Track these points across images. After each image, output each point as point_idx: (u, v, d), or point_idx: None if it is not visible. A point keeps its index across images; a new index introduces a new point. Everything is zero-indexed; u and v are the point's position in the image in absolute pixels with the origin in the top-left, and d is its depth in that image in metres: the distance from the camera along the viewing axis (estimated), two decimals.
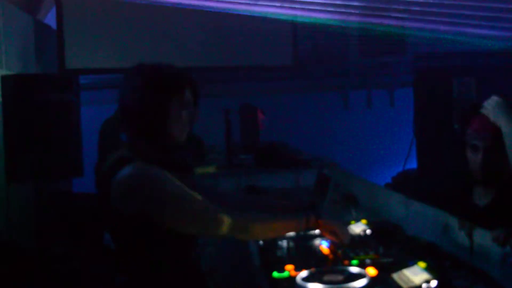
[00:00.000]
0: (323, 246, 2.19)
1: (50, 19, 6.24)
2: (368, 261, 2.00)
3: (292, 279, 1.87)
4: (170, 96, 2.00)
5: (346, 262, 2.00)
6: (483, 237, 2.00)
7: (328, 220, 2.11)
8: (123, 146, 2.06)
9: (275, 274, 1.92)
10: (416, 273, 1.77)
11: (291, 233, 2.35)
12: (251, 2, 5.47)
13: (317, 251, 2.18)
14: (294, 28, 6.13)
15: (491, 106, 2.42)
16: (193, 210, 1.93)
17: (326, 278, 1.83)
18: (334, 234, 2.11)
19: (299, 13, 5.76)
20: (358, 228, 2.39)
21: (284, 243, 2.27)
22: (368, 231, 2.32)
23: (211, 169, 4.28)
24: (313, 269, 1.90)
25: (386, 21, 5.51)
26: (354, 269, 1.87)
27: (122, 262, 2.05)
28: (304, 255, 2.14)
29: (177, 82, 2.03)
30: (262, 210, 2.30)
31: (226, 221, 1.93)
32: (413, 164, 5.41)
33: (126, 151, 2.02)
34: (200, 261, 2.16)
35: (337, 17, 5.44)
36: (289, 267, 1.95)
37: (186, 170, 2.10)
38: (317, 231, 2.36)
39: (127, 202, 1.90)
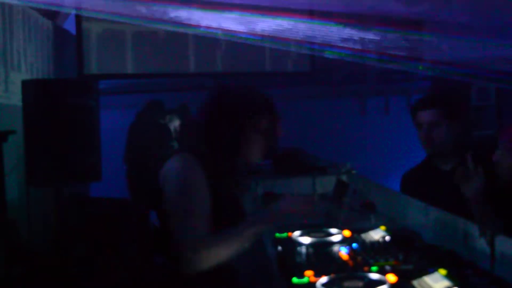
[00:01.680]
0: (343, 252, 2.19)
1: (69, 25, 6.31)
2: (388, 267, 1.99)
3: (311, 285, 1.86)
4: (244, 123, 2.09)
5: (366, 268, 1.99)
6: (504, 245, 1.98)
7: (274, 211, 2.14)
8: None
9: (295, 279, 1.91)
10: (437, 281, 1.76)
11: (310, 240, 2.36)
12: None
13: (336, 257, 2.17)
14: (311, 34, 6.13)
15: None
16: (183, 227, 2.00)
17: (346, 284, 1.82)
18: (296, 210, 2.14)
19: None
20: (377, 234, 2.38)
21: (303, 249, 2.27)
22: (388, 238, 2.30)
23: None
24: (333, 275, 1.89)
25: None
26: (374, 276, 1.86)
27: (163, 241, 2.13)
28: (324, 261, 2.13)
29: (253, 109, 2.11)
30: None
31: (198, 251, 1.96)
32: None
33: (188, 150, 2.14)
34: None
35: None
36: (309, 273, 1.95)
37: (237, 190, 2.24)
38: (338, 238, 2.37)
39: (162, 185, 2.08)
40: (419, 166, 3.28)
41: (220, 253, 2.00)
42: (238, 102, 2.10)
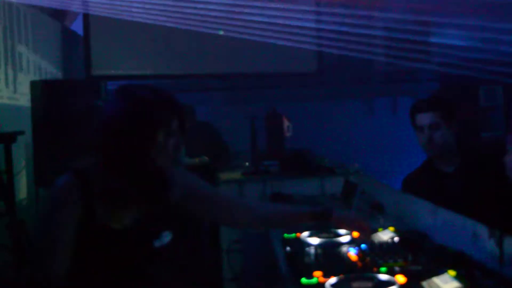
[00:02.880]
0: (351, 253, 2.19)
1: (77, 26, 6.33)
2: (397, 268, 1.99)
3: (321, 285, 1.87)
4: (157, 127, 1.91)
5: (375, 269, 1.99)
6: None
7: (342, 215, 2.31)
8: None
9: (304, 280, 1.91)
10: (446, 282, 1.76)
11: (319, 240, 2.36)
12: None
13: (345, 258, 2.18)
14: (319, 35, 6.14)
15: None
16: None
17: (355, 285, 1.82)
18: (358, 228, 2.32)
19: None
20: (386, 235, 2.38)
21: (312, 250, 2.27)
22: (396, 239, 2.31)
23: (236, 176, 4.29)
24: (341, 276, 1.89)
25: None
26: (383, 277, 1.86)
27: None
28: (333, 261, 2.14)
29: (165, 113, 1.93)
30: None
31: None
32: None
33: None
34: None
35: None
36: (318, 274, 1.95)
37: (151, 200, 2.03)
38: (346, 238, 2.37)
39: None
40: (420, 168, 3.27)
41: None
42: (149, 107, 1.91)
